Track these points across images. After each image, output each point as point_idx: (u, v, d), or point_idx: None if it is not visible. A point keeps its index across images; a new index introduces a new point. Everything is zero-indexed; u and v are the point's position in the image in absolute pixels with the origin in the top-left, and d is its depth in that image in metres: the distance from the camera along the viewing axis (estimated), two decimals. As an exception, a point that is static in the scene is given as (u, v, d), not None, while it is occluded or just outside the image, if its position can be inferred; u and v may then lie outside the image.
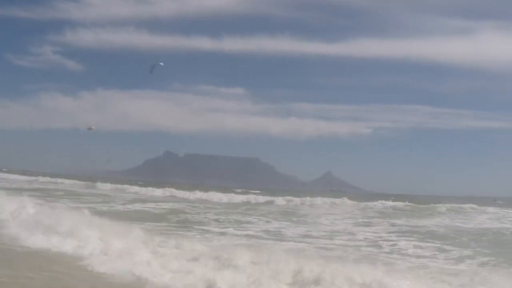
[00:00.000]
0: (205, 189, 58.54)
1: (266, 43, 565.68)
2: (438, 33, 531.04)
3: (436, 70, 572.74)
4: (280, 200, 42.97)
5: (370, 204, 40.78)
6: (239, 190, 63.92)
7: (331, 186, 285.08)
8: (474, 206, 41.81)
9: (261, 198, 43.89)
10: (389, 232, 21.44)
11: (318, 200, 44.39)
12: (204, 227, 20.45)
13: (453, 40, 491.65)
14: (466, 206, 41.20)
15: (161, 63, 27.82)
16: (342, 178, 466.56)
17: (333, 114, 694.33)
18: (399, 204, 42.34)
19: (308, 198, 45.22)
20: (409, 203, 44.00)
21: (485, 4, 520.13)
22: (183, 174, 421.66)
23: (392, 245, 17.32)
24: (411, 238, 19.53)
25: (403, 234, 20.86)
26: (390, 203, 43.28)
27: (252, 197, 45.41)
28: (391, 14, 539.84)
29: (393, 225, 25.20)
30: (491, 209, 40.40)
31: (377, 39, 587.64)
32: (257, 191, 66.46)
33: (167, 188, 52.64)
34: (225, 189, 63.97)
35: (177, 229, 19.45)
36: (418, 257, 15.20)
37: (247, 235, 18.63)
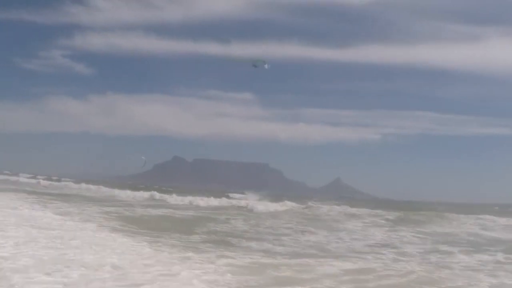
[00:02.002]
0: (219, 195, 58.08)
1: (274, 48, 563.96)
2: (445, 39, 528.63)
3: (443, 76, 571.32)
4: (298, 207, 42.29)
5: (385, 212, 39.68)
6: (257, 197, 62.79)
7: (340, 193, 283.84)
8: (495, 218, 40.64)
9: (278, 206, 42.96)
10: (435, 243, 20.59)
11: (335, 207, 43.74)
12: (241, 243, 18.20)
13: (460, 46, 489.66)
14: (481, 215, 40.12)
15: (266, 65, 25.85)
16: (351, 184, 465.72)
17: (341, 120, 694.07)
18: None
19: (326, 206, 44.49)
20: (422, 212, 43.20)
21: (491, 10, 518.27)
22: (191, 179, 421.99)
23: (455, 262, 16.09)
24: (460, 248, 18.80)
25: (452, 244, 20.03)
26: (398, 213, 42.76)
27: (268, 205, 44.44)
28: (398, 20, 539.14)
29: (424, 233, 24.56)
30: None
31: (384, 45, 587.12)
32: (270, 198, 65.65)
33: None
34: (230, 194, 63.40)
35: (209, 245, 17.06)
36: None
37: (295, 253, 16.53)
